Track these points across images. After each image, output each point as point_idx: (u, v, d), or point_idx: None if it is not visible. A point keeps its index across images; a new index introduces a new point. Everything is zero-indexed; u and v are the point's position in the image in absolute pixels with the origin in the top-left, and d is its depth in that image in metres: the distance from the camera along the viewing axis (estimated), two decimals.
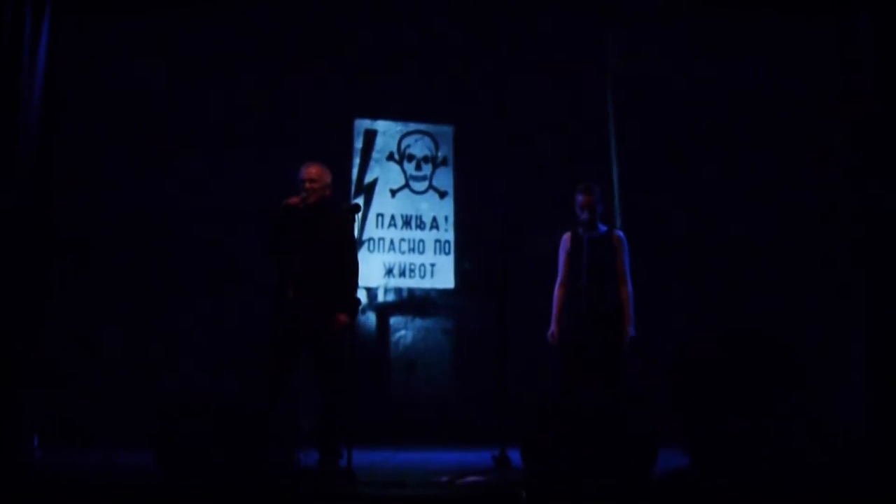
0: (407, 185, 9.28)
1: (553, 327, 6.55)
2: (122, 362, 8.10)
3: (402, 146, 9.31)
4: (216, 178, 8.61)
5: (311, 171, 6.18)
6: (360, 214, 6.18)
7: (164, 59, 8.61)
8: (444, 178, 9.32)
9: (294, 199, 6.05)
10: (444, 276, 9.19)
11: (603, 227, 6.56)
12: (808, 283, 7.83)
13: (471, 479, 5.92)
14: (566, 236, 6.65)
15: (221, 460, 5.48)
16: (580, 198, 6.50)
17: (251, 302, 7.99)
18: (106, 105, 8.37)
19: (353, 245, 6.18)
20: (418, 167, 9.31)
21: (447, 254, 9.22)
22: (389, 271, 9.05)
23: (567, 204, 8.79)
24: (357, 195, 9.12)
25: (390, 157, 9.29)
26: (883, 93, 6.55)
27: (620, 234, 6.59)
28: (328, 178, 6.28)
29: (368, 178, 9.22)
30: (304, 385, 6.27)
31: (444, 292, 9.21)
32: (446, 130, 9.40)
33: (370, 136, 9.26)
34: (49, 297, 7.08)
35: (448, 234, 9.24)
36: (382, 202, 9.20)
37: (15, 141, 6.63)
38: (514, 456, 5.95)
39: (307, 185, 6.10)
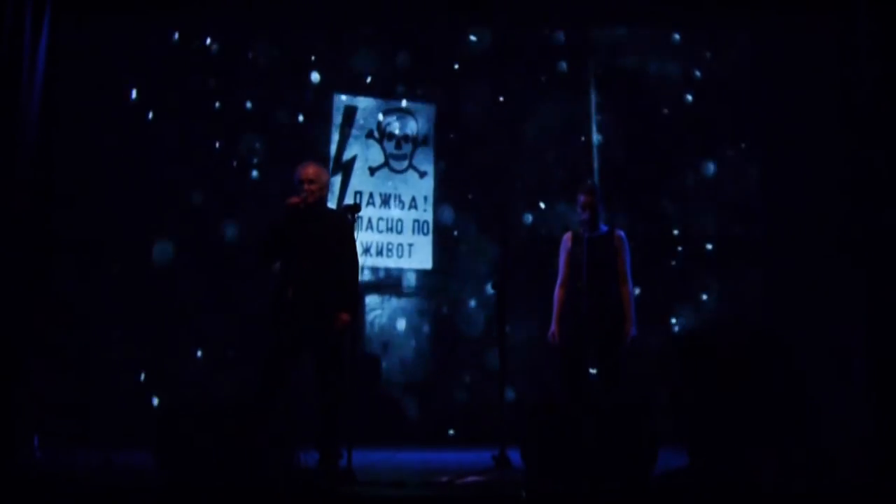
0: (386, 164, 9.34)
1: (553, 327, 6.65)
2: (122, 363, 8.20)
3: (383, 124, 9.34)
4: (205, 163, 8.71)
5: (309, 171, 6.18)
6: (360, 214, 6.16)
7: (157, 56, 8.69)
8: (425, 158, 9.41)
9: (294, 200, 6.07)
10: (422, 256, 9.30)
11: (604, 227, 6.67)
12: (808, 282, 7.97)
13: (471, 479, 6.05)
14: (567, 235, 6.76)
15: (221, 461, 5.50)
16: (581, 197, 6.60)
17: (251, 302, 8.01)
18: (104, 104, 8.39)
19: (353, 244, 6.22)
20: (398, 146, 9.36)
21: (426, 234, 9.32)
22: (366, 250, 9.11)
23: (547, 187, 9.01)
24: (335, 172, 9.15)
25: (370, 135, 9.34)
26: (883, 92, 6.68)
27: (622, 233, 6.69)
28: (326, 177, 6.31)
29: (347, 156, 9.26)
30: (304, 385, 6.35)
31: (421, 272, 9.34)
32: (428, 109, 9.46)
33: (350, 112, 9.29)
34: (49, 297, 7.09)
35: (427, 215, 9.34)
36: (361, 180, 9.25)
37: (15, 140, 6.61)
38: (514, 456, 6.05)
39: (306, 185, 6.11)
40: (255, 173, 8.93)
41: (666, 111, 9.11)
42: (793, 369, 6.16)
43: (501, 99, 9.33)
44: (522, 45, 9.21)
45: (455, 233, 9.34)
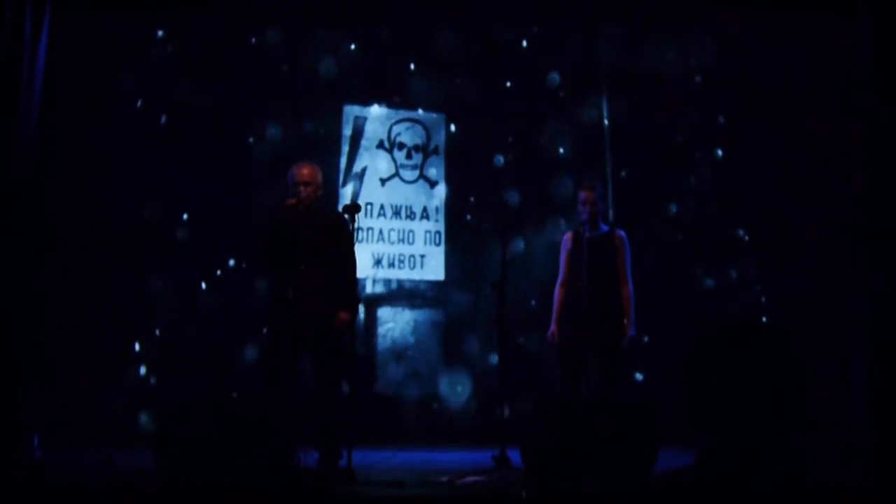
0: (397, 174, 9.55)
1: (553, 327, 6.82)
2: (120, 362, 8.47)
3: (393, 134, 9.55)
4: (209, 169, 8.94)
5: (304, 172, 6.42)
6: (359, 214, 6.32)
7: (159, 57, 8.93)
8: (436, 168, 9.60)
9: (290, 201, 6.31)
10: (434, 267, 9.47)
11: (605, 227, 6.83)
12: (809, 282, 8.14)
13: (471, 479, 6.19)
14: (567, 235, 6.93)
15: (221, 461, 5.66)
16: (582, 194, 6.78)
17: (252, 302, 8.33)
18: (104, 104, 8.62)
19: (350, 243, 6.40)
20: (409, 156, 9.57)
21: (437, 245, 9.49)
22: (378, 262, 9.29)
23: (560, 195, 9.17)
24: (346, 183, 9.37)
25: (380, 145, 9.55)
26: (883, 93, 6.83)
27: (622, 233, 6.85)
28: (320, 177, 6.53)
29: (357, 167, 9.46)
30: (304, 385, 6.53)
31: (434, 284, 9.50)
32: (438, 119, 9.67)
33: (360, 122, 9.51)
34: (47, 296, 7.36)
35: (439, 225, 9.52)
36: (371, 191, 9.45)
37: (14, 140, 6.85)
38: (514, 456, 6.21)
39: (301, 187, 6.35)
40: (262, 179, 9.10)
41: (671, 108, 9.29)
42: (801, 366, 6.27)
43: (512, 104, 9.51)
44: (532, 52, 9.40)
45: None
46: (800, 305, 8.08)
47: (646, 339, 8.73)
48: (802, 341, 6.54)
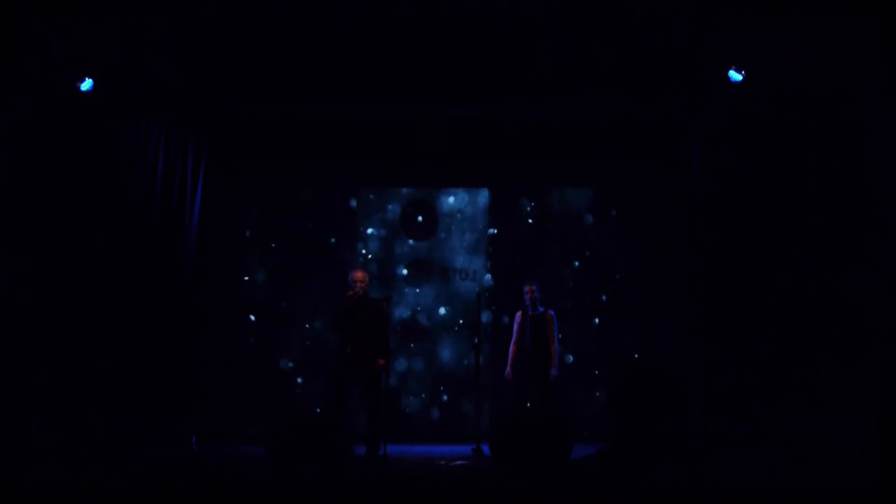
0: None
1: (508, 369, 9.90)
2: (249, 389, 11.52)
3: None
4: (310, 273, 12.15)
5: (359, 275, 9.61)
6: (391, 302, 9.52)
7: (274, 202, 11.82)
8: None
9: (350, 293, 9.47)
10: None
11: (541, 308, 9.93)
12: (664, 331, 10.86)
13: (459, 462, 8.75)
14: (518, 313, 10.05)
15: (309, 451, 8.26)
16: (525, 288, 9.93)
17: (329, 355, 11.15)
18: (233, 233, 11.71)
19: (386, 319, 9.56)
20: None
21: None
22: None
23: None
24: None
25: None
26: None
27: (552, 312, 9.93)
28: (368, 277, 9.71)
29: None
30: (357, 405, 9.48)
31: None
32: None
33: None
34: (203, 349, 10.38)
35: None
36: None
37: (180, 266, 9.54)
38: (485, 448, 8.92)
39: (358, 284, 9.54)
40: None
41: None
42: (679, 393, 8.38)
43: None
44: None
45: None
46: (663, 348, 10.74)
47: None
48: (682, 383, 8.62)
